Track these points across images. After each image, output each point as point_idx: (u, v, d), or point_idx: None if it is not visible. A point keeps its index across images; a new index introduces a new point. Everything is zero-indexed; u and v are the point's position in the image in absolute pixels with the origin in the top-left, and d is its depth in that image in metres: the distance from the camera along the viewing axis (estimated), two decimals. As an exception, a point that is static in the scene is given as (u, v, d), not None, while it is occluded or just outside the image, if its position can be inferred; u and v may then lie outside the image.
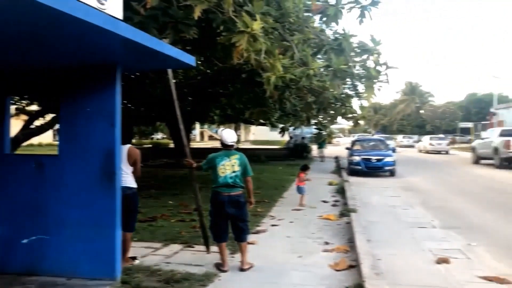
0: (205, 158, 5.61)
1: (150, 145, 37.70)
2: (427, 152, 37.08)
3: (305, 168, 10.88)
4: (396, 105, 77.12)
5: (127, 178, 5.25)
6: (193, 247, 6.32)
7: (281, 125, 13.74)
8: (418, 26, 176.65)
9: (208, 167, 5.50)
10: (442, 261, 5.85)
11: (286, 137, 30.09)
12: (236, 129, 40.38)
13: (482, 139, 25.15)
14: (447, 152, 36.34)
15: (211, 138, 67.84)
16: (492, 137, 23.19)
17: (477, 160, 24.79)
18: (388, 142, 31.40)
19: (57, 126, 10.17)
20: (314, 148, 29.37)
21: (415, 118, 71.60)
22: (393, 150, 28.22)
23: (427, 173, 19.22)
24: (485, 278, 5.20)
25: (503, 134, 22.20)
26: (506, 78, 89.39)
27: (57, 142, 5.63)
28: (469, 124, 52.63)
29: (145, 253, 5.96)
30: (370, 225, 8.19)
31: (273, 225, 7.96)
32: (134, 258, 5.56)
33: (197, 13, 5.61)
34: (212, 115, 22.98)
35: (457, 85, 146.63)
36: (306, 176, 10.64)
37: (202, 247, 6.11)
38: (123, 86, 4.89)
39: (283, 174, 16.84)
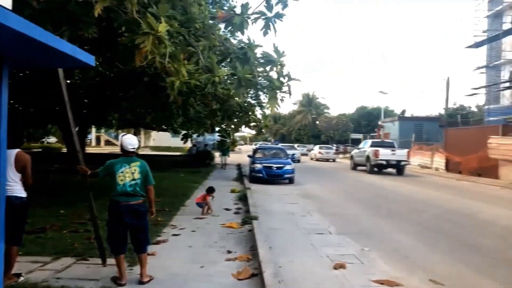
0: (100, 164, 5.27)
1: (40, 149, 35.00)
2: (317, 159, 41.39)
3: (211, 191, 10.60)
4: (294, 116, 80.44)
5: (15, 187, 4.75)
6: (87, 260, 5.89)
7: (184, 132, 13.47)
8: (318, 41, 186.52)
9: (105, 174, 5.17)
10: (339, 266, 6.11)
11: (188, 144, 29.77)
12: (136, 134, 39.04)
13: (358, 149, 29.61)
14: (334, 160, 41.35)
15: (108, 143, 64.96)
16: (365, 147, 27.55)
17: (355, 166, 29.02)
18: (294, 151, 33.27)
19: None
20: (217, 155, 29.45)
21: (311, 128, 75.17)
22: (298, 160, 30.66)
23: (321, 180, 20.25)
24: (378, 281, 5.53)
25: (373, 145, 26.81)
26: (392, 94, 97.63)
27: None
28: (360, 136, 56.49)
29: (32, 269, 5.42)
30: (271, 232, 8.32)
31: (174, 235, 7.73)
32: (18, 275, 5.02)
33: (97, 11, 5.27)
34: (110, 119, 21.91)
35: (350, 98, 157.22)
36: (210, 199, 10.41)
37: (98, 260, 5.72)
38: (10, 84, 4.40)
39: (185, 181, 16.56)
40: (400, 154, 25.48)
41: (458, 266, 6.46)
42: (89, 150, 32.30)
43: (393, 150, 25.57)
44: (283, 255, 6.65)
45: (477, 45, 34.01)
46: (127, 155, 5.18)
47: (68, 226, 7.82)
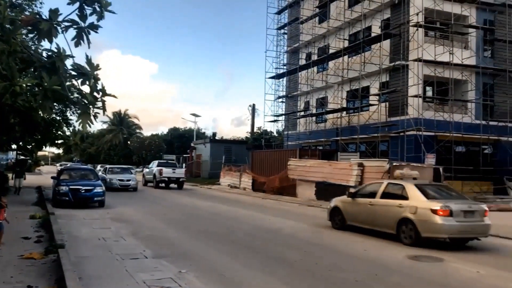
0: None
1: None
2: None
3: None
4: (104, 135, 76.50)
5: None
6: None
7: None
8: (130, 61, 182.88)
9: None
10: (157, 291, 5.87)
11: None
12: None
13: (148, 168, 34.15)
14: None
15: None
16: (153, 166, 32.50)
17: (146, 183, 33.43)
18: (129, 176, 27.80)
19: None
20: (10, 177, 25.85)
21: (122, 148, 72.57)
22: (135, 189, 26.95)
23: (132, 201, 19.70)
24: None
25: (159, 165, 32.08)
26: (202, 116, 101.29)
27: None
28: (173, 156, 56.88)
29: None
30: (80, 261, 7.58)
31: (-45, 273, 6.40)
32: None
33: None
34: None
35: (163, 119, 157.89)
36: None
37: None
38: None
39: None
40: (179, 172, 31.66)
41: (270, 280, 6.86)
42: None
43: (174, 169, 31.54)
44: (95, 286, 6.10)
45: (278, 76, 37.89)
46: None
47: None
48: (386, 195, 11.45)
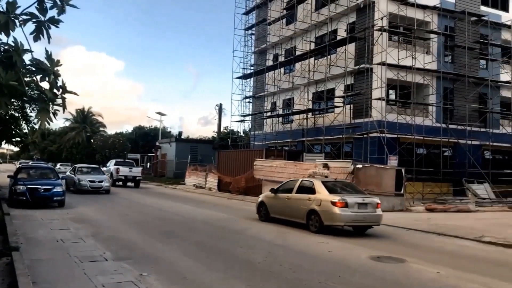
0: None
1: None
2: None
3: None
4: (66, 132, 74.26)
5: None
6: None
7: None
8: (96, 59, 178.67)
9: None
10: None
11: None
12: None
13: (106, 167, 34.74)
14: None
15: None
16: (110, 165, 33.67)
17: None
18: (101, 177, 24.99)
19: None
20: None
21: (85, 147, 70.69)
22: (107, 191, 24.28)
23: (93, 201, 19.17)
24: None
25: (116, 163, 33.13)
26: (169, 115, 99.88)
27: None
28: (137, 156, 55.91)
29: None
30: (36, 264, 7.27)
31: None
32: None
33: None
34: None
35: (128, 118, 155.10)
36: None
37: None
38: None
39: None
40: (136, 171, 32.45)
41: (233, 283, 6.77)
42: None
43: (130, 168, 32.51)
44: (51, 290, 5.84)
45: (246, 77, 37.87)
46: None
47: None
48: (300, 190, 13.19)
